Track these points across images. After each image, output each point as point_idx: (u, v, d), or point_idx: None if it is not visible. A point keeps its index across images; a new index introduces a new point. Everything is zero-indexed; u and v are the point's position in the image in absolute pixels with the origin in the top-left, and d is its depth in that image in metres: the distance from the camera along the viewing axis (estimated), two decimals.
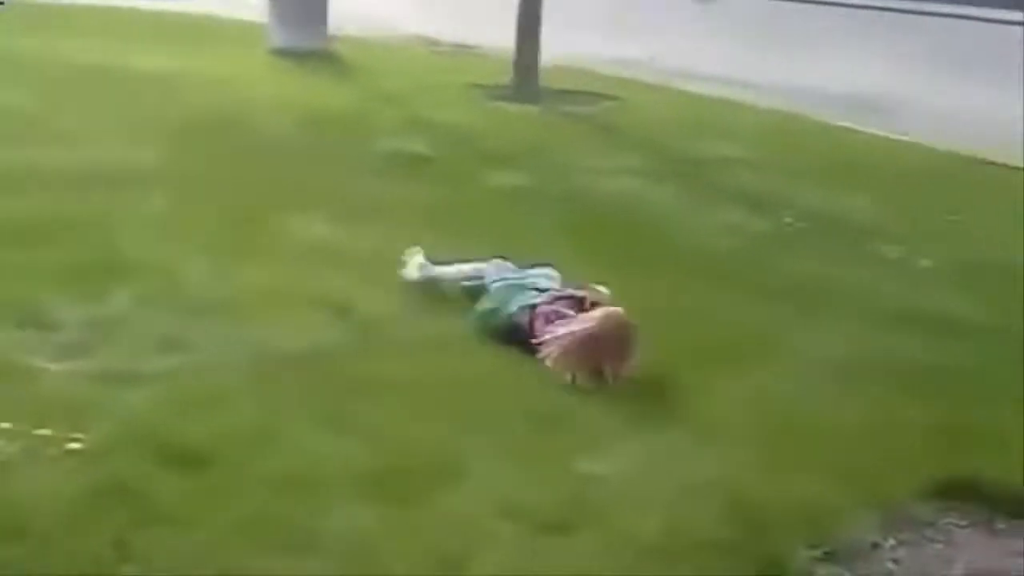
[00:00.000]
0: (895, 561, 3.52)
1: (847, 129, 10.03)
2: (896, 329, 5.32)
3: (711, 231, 6.78)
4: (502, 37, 11.37)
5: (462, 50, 13.44)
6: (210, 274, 5.23)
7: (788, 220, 7.15)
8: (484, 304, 4.90)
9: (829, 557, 3.46)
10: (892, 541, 3.60)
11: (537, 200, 7.13)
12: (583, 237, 6.26)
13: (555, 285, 4.98)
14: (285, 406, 4.03)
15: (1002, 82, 12.39)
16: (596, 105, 10.66)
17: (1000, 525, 3.74)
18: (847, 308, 5.57)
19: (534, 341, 4.56)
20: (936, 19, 15.83)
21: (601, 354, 4.42)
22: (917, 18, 15.79)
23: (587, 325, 4.48)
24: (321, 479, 3.57)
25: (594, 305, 4.65)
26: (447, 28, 14.02)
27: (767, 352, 4.93)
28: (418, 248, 5.46)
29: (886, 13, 15.98)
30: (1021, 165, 8.90)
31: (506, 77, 10.98)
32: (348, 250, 5.76)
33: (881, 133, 9.93)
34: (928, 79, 12.40)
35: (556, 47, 11.10)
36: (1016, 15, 16.11)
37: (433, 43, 14.08)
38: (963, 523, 3.73)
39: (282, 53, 11.80)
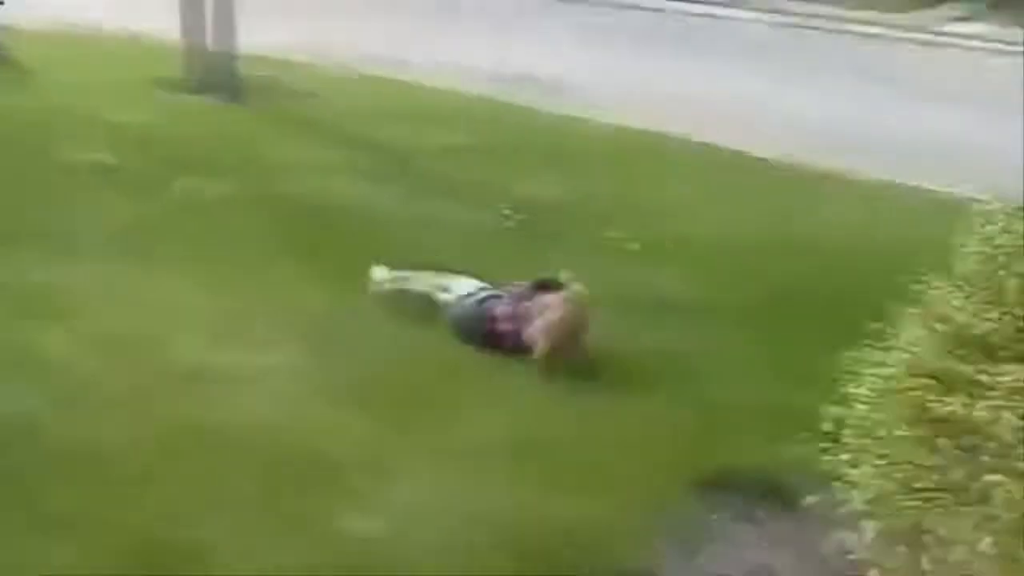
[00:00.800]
0: (678, 570, 3.46)
1: (537, 111, 9.98)
2: (619, 318, 5.23)
3: (433, 229, 6.51)
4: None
5: (140, 40, 12.41)
6: None
7: (506, 212, 7.00)
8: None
9: None
10: (670, 549, 3.53)
11: (244, 208, 6.61)
12: (300, 246, 5.87)
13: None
14: None
15: (677, 57, 12.71)
16: (289, 96, 10.12)
17: (760, 513, 3.72)
18: None
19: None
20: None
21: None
22: None
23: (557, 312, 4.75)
24: None
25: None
26: (120, 16, 12.87)
27: None
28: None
29: None
30: (697, 138, 9.16)
31: (191, 68, 10.21)
32: (31, 290, 5.09)
33: (571, 113, 9.94)
34: (608, 58, 12.58)
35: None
36: None
37: (107, 33, 12.99)
38: (728, 517, 3.68)
39: None
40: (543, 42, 12.82)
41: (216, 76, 10.13)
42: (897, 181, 8.14)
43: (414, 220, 6.63)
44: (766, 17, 15.10)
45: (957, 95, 10.67)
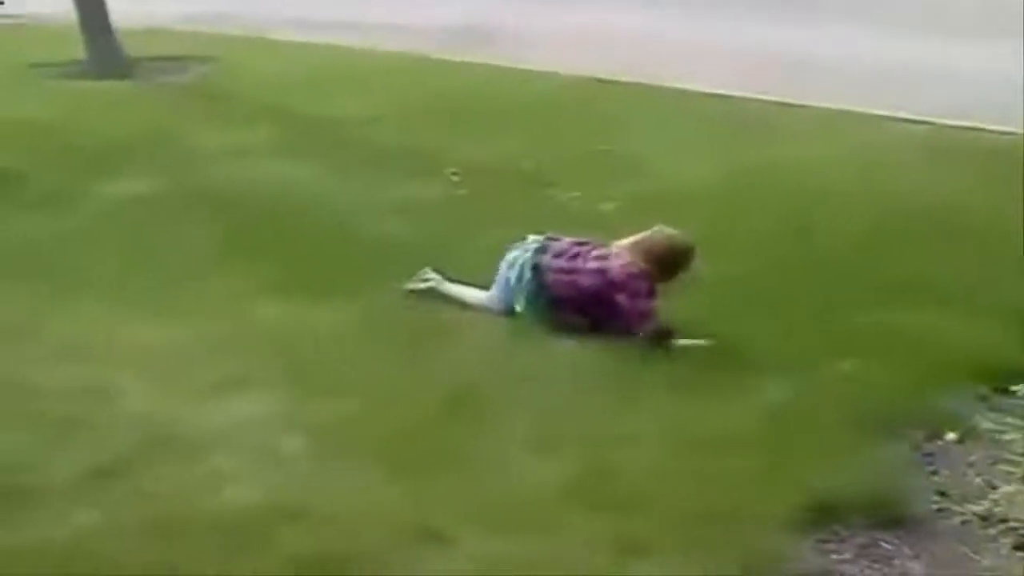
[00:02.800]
0: None
1: (468, 64, 9.06)
2: None
3: (383, 209, 5.54)
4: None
5: (12, 21, 11.06)
6: None
7: (455, 178, 6.11)
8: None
9: None
10: None
11: (169, 209, 5.54)
12: (245, 250, 4.88)
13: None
14: None
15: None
16: (194, 70, 9.02)
17: (885, 544, 2.94)
18: None
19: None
20: None
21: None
22: None
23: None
24: None
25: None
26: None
27: None
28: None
29: None
30: (642, 79, 8.37)
31: (78, 50, 9.02)
32: None
33: (502, 64, 9.03)
34: (525, 3, 11.62)
35: (118, 7, 9.18)
36: None
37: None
38: (848, 556, 2.88)
39: None
40: None
41: (111, 55, 8.99)
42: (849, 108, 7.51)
43: (358, 201, 5.67)
44: None
45: None
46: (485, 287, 4.37)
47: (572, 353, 3.90)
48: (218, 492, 3.07)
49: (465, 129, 7.05)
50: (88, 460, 3.16)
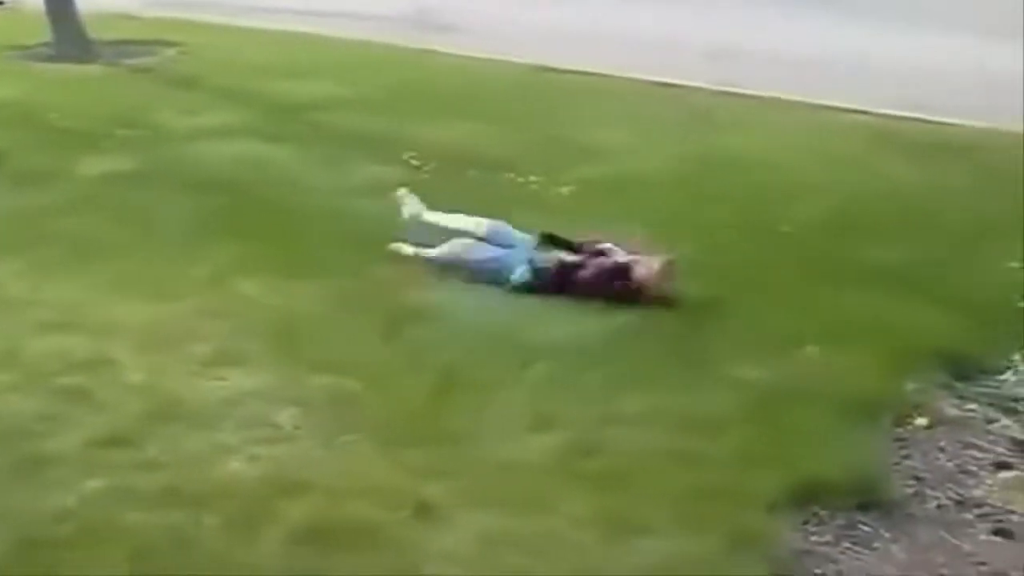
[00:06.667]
0: None
1: (424, 52, 8.84)
2: None
3: (351, 191, 5.37)
4: None
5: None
6: None
7: (415, 162, 5.95)
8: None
9: None
10: None
11: (147, 187, 5.29)
12: (220, 228, 4.68)
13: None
14: None
15: None
16: (159, 55, 8.69)
17: (865, 527, 2.85)
18: None
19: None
20: None
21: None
22: None
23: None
24: None
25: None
26: None
27: None
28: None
29: None
30: (591, 69, 8.23)
31: (44, 34, 8.64)
32: None
33: (455, 52, 8.83)
34: None
35: None
36: None
37: None
38: (829, 538, 2.80)
39: None
40: None
41: (78, 39, 8.62)
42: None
43: (327, 183, 5.49)
44: None
45: None
46: None
47: (556, 334, 3.80)
48: (219, 464, 2.93)
49: (422, 115, 6.86)
50: (94, 430, 3.02)
